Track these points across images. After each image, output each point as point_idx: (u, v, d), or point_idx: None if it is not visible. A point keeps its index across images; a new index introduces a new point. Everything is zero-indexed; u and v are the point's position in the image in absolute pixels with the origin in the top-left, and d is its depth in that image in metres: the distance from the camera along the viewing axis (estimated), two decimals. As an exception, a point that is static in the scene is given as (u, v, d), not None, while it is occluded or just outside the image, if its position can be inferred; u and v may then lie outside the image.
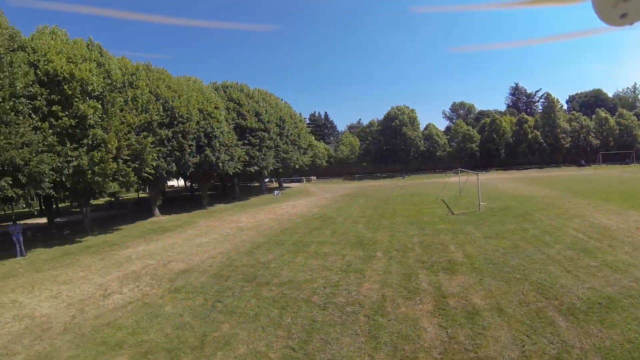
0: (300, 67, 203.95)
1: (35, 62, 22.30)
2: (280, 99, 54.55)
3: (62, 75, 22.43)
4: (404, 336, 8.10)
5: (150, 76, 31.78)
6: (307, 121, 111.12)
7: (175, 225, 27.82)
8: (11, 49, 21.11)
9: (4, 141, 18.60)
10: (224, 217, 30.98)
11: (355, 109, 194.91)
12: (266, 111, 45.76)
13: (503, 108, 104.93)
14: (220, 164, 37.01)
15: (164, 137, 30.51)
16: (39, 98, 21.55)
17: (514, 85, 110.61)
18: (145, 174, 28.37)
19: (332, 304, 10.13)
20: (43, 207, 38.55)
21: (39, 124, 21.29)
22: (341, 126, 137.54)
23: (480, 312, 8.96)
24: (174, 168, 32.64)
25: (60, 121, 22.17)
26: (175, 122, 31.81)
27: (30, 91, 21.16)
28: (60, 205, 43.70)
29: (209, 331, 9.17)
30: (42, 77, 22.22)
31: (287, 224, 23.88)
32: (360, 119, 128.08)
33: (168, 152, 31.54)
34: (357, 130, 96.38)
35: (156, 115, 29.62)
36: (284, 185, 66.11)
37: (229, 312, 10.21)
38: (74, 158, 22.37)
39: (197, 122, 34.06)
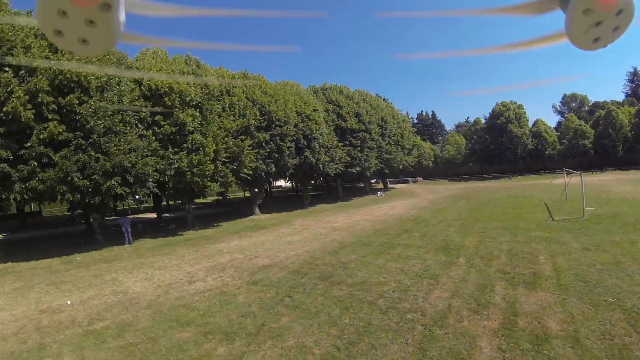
0: (406, 65, 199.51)
1: (139, 80, 25.42)
2: (382, 99, 54.06)
3: (162, 90, 25.34)
4: (454, 353, 7.27)
5: (247, 83, 33.97)
6: (415, 121, 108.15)
7: (272, 224, 28.96)
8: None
9: (114, 148, 21.27)
10: (321, 217, 31.50)
11: (462, 106, 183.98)
12: (367, 112, 45.73)
13: (621, 98, 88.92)
14: (321, 165, 37.93)
15: (261, 139, 32.31)
16: (144, 110, 24.52)
17: (632, 71, 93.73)
18: (244, 175, 30.30)
19: (394, 309, 9.64)
20: (155, 204, 43.57)
21: (144, 132, 24.16)
22: (449, 125, 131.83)
23: (551, 338, 7.58)
24: (273, 169, 34.34)
25: (162, 129, 25.01)
26: (273, 126, 33.44)
27: (136, 104, 24.20)
28: (170, 203, 48.91)
29: (268, 322, 9.47)
30: (146, 92, 25.39)
31: (380, 225, 23.47)
32: (468, 117, 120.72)
33: (267, 154, 33.29)
34: (463, 129, 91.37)
35: (253, 119, 31.34)
36: (390, 186, 65.32)
37: (293, 306, 10.42)
38: (175, 161, 24.93)
39: (295, 125, 35.40)
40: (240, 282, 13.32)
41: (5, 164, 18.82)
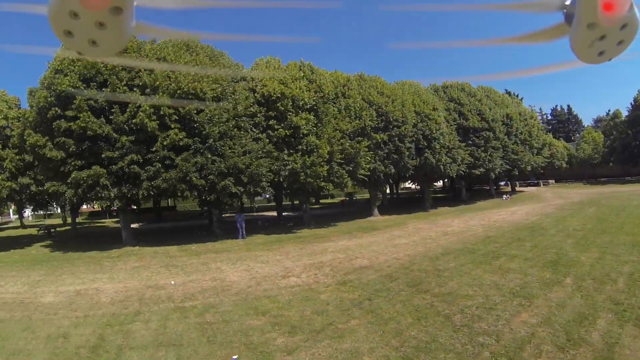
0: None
1: (253, 88, 26.74)
2: (508, 94, 49.12)
3: (275, 96, 26.04)
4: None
5: (363, 85, 33.39)
6: (549, 117, 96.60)
7: (386, 225, 27.98)
8: (235, 81, 26.19)
9: (229, 151, 22.74)
10: (437, 220, 29.56)
11: (601, 99, 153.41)
12: (490, 109, 41.99)
13: None
14: (441, 167, 36.03)
15: (379, 140, 32.13)
16: (258, 115, 25.66)
17: None
18: (361, 176, 30.51)
19: (468, 328, 8.59)
20: (276, 203, 45.80)
21: (259, 135, 25.17)
22: (587, 120, 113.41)
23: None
24: (392, 170, 33.89)
25: (276, 132, 25.70)
26: (390, 126, 32.85)
27: (251, 111, 25.43)
28: (295, 202, 50.82)
29: (336, 322, 9.38)
30: (260, 99, 26.32)
31: (492, 232, 21.19)
32: (609, 110, 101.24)
33: (385, 155, 32.94)
34: (603, 124, 76.96)
35: (369, 120, 30.88)
36: (518, 189, 59.08)
37: (369, 310, 10.12)
38: (289, 162, 25.49)
39: (414, 125, 34.25)
40: (330, 281, 13.34)
41: (136, 166, 21.67)
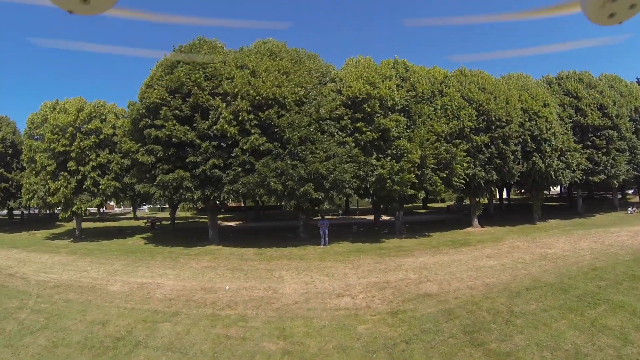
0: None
1: (340, 89, 24.97)
2: (639, 84, 40.67)
3: (360, 97, 23.99)
4: None
5: (463, 81, 29.54)
6: None
7: (479, 241, 24.34)
8: (323, 83, 24.85)
9: (310, 156, 21.35)
10: (540, 237, 24.98)
11: None
12: (614, 102, 34.97)
13: None
14: (552, 173, 30.76)
15: (479, 143, 28.09)
16: (344, 118, 23.85)
17: None
18: (456, 183, 26.99)
19: None
20: (373, 207, 43.46)
21: (346, 139, 23.31)
22: None
23: None
24: (494, 177, 29.53)
25: (364, 135, 23.55)
26: (493, 127, 28.55)
27: (337, 114, 23.77)
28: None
29: (355, 356, 8.63)
30: (346, 101, 24.38)
31: (601, 261, 16.61)
32: None
33: (487, 159, 28.82)
34: None
35: (468, 121, 27.08)
36: (650, 199, 49.28)
37: (401, 355, 8.59)
38: (377, 167, 23.37)
39: (521, 125, 29.49)
40: (382, 308, 11.74)
41: (217, 170, 21.78)
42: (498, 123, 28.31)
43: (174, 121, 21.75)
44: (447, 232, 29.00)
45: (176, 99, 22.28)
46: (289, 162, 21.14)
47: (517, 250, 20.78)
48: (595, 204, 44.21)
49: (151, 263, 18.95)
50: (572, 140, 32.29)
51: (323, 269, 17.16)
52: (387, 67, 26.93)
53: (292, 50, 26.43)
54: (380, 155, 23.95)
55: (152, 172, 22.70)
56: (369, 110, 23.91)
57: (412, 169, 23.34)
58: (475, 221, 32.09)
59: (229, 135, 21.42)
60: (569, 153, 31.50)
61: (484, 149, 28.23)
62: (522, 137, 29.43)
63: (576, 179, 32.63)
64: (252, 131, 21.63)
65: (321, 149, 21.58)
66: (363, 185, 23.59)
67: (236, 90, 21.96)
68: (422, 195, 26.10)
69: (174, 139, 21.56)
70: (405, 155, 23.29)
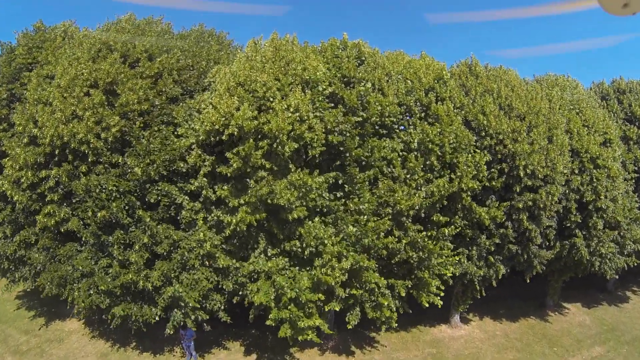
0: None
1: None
2: None
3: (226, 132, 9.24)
4: None
5: (471, 87, 13.53)
6: None
7: None
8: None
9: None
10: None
11: None
12: None
13: None
14: (598, 261, 16.36)
15: (486, 219, 13.30)
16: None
17: None
18: (425, 299, 12.29)
19: None
20: None
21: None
22: None
23: None
24: (501, 271, 14.97)
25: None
26: (517, 188, 13.66)
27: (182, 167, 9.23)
28: None
29: None
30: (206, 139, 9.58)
31: None
32: None
33: (494, 246, 14.28)
34: None
35: (473, 178, 12.30)
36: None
37: None
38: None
39: (566, 181, 14.79)
40: None
41: None
42: (530, 181, 13.33)
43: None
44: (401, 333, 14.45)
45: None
46: None
47: None
48: (628, 273, 26.94)
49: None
50: (635, 201, 17.62)
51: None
52: (314, 53, 11.32)
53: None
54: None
55: None
56: (239, 166, 8.64)
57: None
58: (456, 317, 17.69)
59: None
60: (628, 226, 17.02)
61: (492, 228, 13.47)
62: (567, 204, 14.69)
63: (628, 264, 18.22)
64: None
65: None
66: None
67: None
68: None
69: None
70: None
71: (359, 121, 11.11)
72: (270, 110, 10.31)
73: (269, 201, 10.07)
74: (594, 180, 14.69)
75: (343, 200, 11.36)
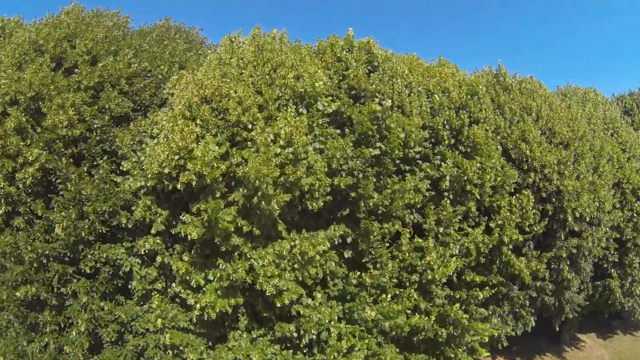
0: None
1: None
2: None
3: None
4: None
5: (504, 104, 11.08)
6: None
7: None
8: None
9: None
10: None
11: None
12: None
13: None
14: (630, 304, 14.13)
15: (524, 275, 10.45)
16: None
17: None
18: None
19: None
20: None
21: None
22: None
23: None
24: (530, 323, 12.47)
25: None
26: (562, 234, 10.95)
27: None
28: None
29: None
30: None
31: None
32: None
33: (528, 299, 11.61)
34: None
35: (517, 228, 9.28)
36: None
37: None
38: None
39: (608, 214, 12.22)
40: None
41: None
42: (577, 226, 10.54)
43: None
44: None
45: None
46: None
47: None
48: None
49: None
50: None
51: None
52: (310, 55, 7.88)
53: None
54: None
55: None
56: (201, 233, 5.13)
57: None
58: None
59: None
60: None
61: (531, 281, 10.65)
62: (607, 244, 12.15)
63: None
64: None
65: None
66: None
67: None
68: None
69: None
70: None
71: (376, 155, 7.76)
72: (249, 142, 6.79)
73: (248, 280, 6.59)
74: (635, 215, 12.19)
75: (353, 262, 8.06)
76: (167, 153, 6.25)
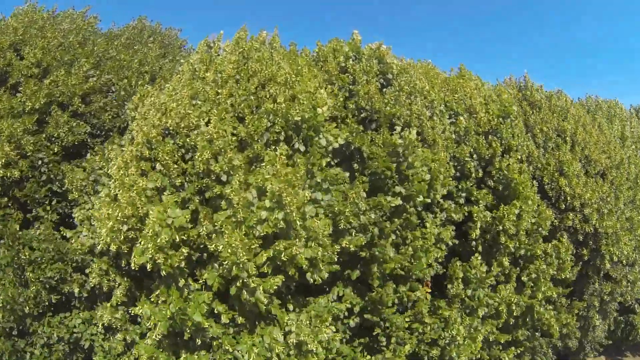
0: None
1: None
2: None
3: None
4: None
5: (534, 124, 9.60)
6: None
7: None
8: None
9: None
10: None
11: None
12: None
13: None
14: None
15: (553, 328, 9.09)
16: None
17: None
18: None
19: None
20: None
21: None
22: None
23: None
24: None
25: None
26: (595, 281, 9.52)
27: None
28: None
29: None
30: None
31: None
32: None
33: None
34: None
35: (553, 284, 7.75)
36: None
37: None
38: None
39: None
40: None
41: None
42: (612, 270, 9.08)
43: None
44: None
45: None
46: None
47: None
48: None
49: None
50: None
51: None
52: (308, 65, 5.89)
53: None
54: None
55: None
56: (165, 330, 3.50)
57: None
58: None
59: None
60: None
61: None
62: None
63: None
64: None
65: None
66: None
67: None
68: None
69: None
70: None
71: (397, 206, 5.94)
72: (223, 201, 4.85)
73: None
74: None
75: (359, 329, 6.33)
76: (110, 224, 4.28)
